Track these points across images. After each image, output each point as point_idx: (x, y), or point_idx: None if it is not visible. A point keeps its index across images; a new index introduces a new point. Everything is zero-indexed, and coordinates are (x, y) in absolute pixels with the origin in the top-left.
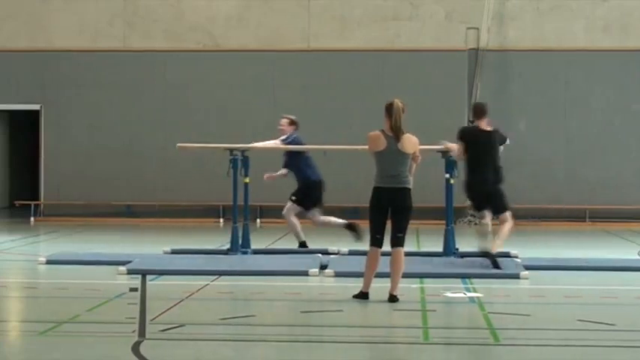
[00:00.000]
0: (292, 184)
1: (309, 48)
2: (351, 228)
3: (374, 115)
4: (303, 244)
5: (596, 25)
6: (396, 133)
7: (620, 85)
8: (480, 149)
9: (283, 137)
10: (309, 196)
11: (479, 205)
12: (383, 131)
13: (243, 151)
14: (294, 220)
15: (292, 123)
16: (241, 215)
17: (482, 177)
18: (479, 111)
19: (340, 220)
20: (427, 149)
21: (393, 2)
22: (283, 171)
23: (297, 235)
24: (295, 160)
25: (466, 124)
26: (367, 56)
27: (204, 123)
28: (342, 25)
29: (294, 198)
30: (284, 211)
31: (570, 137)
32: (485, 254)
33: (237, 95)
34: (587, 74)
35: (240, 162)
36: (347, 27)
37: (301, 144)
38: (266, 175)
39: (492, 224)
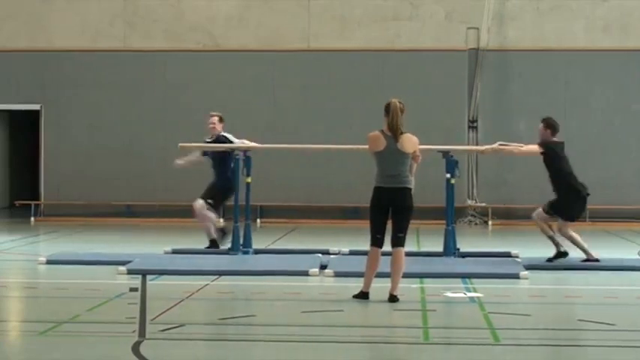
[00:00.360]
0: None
1: (309, 48)
2: (221, 233)
3: (374, 115)
4: (214, 243)
5: (596, 25)
6: (394, 132)
7: (620, 85)
8: (568, 163)
9: (227, 136)
10: (224, 195)
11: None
12: (382, 131)
13: (245, 151)
14: (210, 215)
15: (222, 120)
16: (242, 215)
17: (580, 187)
18: (556, 126)
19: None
20: (427, 149)
21: (393, 2)
22: (198, 157)
23: (211, 232)
24: (224, 159)
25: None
26: (367, 56)
27: (204, 123)
28: (342, 25)
29: (210, 201)
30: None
31: (570, 137)
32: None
33: (237, 95)
34: (587, 74)
35: (242, 162)
36: (347, 27)
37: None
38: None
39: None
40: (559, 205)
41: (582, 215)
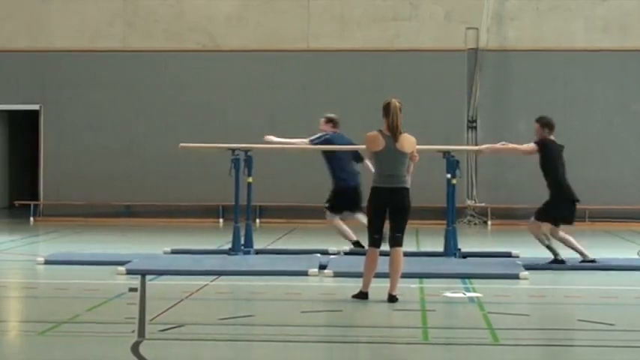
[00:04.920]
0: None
1: (309, 48)
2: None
3: (374, 115)
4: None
5: (596, 25)
6: (393, 132)
7: (619, 85)
8: (564, 166)
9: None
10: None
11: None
12: (381, 131)
13: (246, 151)
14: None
15: (330, 120)
16: (242, 215)
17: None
18: (552, 123)
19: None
20: (428, 149)
21: (393, 2)
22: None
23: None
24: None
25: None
26: (367, 56)
27: (204, 123)
28: (342, 25)
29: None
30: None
31: (570, 137)
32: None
33: (237, 95)
34: (586, 74)
35: (243, 162)
36: (347, 27)
37: None
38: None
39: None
40: (549, 208)
41: (572, 220)
